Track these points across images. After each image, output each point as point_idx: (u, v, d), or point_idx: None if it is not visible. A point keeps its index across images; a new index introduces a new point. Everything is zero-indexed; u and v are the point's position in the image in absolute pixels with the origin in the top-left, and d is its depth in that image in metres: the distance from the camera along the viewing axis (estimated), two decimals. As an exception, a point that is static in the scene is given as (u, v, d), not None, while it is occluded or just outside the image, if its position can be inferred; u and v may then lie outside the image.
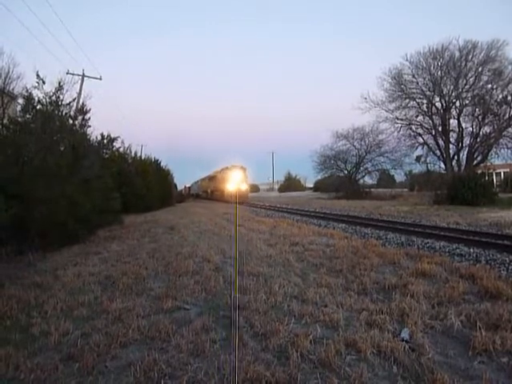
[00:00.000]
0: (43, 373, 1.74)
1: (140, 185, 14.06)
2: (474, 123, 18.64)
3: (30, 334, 2.26)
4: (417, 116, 20.95)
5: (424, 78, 20.16)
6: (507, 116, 17.39)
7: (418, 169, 23.93)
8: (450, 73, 19.04)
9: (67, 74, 13.71)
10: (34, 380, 1.69)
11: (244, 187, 24.97)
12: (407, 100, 21.01)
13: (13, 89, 6.84)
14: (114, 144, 9.38)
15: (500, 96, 17.77)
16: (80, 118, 7.51)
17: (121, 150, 13.47)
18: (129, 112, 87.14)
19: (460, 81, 18.81)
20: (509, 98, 17.36)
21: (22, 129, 5.96)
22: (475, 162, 18.46)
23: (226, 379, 1.65)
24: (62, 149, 6.69)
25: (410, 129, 21.30)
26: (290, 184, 57.01)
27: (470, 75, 18.67)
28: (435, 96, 19.83)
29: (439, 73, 19.53)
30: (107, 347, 1.99)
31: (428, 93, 20.07)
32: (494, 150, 18.22)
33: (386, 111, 21.61)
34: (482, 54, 18.18)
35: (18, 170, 5.32)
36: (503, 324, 2.15)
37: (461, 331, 2.14)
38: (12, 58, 6.87)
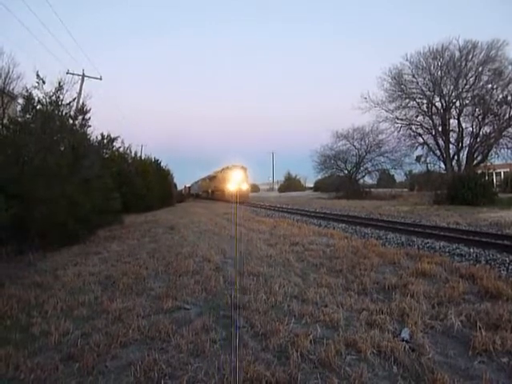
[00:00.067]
0: (43, 373, 1.74)
1: (140, 185, 14.07)
2: (474, 123, 18.64)
3: (30, 333, 2.26)
4: (417, 116, 20.95)
5: (424, 78, 20.16)
6: (507, 116, 17.38)
7: (418, 169, 23.97)
8: (450, 73, 19.03)
9: (67, 73, 13.74)
10: (34, 380, 1.69)
11: (245, 187, 24.95)
12: (407, 100, 21.02)
13: (13, 89, 6.86)
14: (114, 144, 9.45)
15: (500, 96, 17.77)
16: (80, 117, 7.52)
17: (121, 149, 13.53)
18: (129, 112, 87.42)
19: (460, 81, 18.79)
20: (509, 97, 17.36)
21: (22, 129, 5.96)
22: (475, 162, 18.45)
23: (226, 379, 1.65)
24: (62, 149, 6.69)
25: (410, 129, 21.31)
26: (290, 184, 57.01)
27: (470, 75, 18.66)
28: (435, 96, 19.83)
29: (439, 73, 19.52)
30: (107, 347, 1.99)
31: (428, 93, 20.06)
32: (494, 149, 18.22)
33: (386, 111, 21.64)
34: (482, 54, 18.18)
35: (18, 169, 5.33)
36: (503, 324, 2.15)
37: (461, 331, 2.14)
38: (12, 57, 6.90)
